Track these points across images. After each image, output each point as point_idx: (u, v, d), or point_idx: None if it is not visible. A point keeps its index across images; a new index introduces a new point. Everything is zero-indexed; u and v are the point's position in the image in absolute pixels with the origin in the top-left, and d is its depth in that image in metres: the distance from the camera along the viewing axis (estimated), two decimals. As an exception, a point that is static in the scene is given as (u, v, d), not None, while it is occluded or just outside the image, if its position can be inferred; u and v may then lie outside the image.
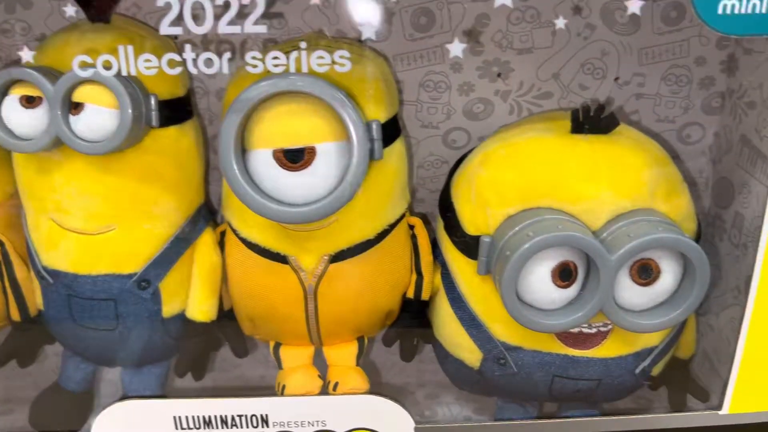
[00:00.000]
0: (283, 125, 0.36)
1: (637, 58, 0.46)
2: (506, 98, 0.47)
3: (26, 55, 0.37)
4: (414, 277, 0.44)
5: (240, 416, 0.41)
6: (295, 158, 0.36)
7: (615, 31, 0.45)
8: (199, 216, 0.44)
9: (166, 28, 0.32)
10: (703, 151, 0.49)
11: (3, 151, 0.42)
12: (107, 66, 0.34)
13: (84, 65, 0.34)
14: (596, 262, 0.37)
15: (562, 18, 0.43)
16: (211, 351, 0.48)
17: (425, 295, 0.45)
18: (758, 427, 0.42)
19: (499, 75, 0.47)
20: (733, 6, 0.33)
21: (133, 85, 0.37)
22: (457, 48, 0.42)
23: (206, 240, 0.43)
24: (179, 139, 0.41)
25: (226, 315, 0.45)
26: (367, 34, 0.36)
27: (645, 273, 0.38)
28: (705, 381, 0.47)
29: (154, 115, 0.39)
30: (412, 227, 0.45)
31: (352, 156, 0.36)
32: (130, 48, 0.33)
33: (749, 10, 0.33)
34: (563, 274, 0.38)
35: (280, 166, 0.36)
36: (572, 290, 0.39)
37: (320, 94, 0.35)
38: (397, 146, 0.42)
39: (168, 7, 0.32)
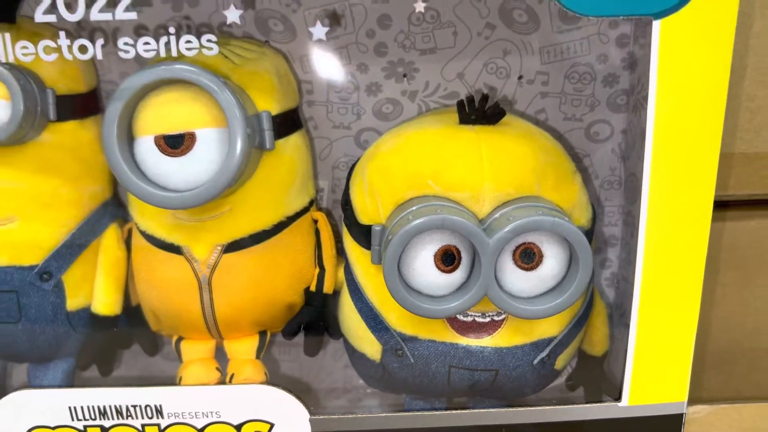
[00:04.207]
0: (164, 112, 0.37)
1: (539, 57, 0.47)
2: (414, 98, 0.48)
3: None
4: (316, 270, 0.45)
5: (134, 406, 0.41)
6: (175, 144, 0.37)
7: (514, 30, 0.46)
8: (104, 211, 0.45)
9: (40, 16, 0.34)
10: (613, 149, 0.49)
11: None
12: (-12, 54, 0.36)
13: (-39, 52, 0.36)
14: (476, 246, 0.37)
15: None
16: (121, 348, 0.49)
17: (328, 289, 0.45)
18: (661, 417, 0.42)
19: (404, 76, 0.48)
20: (587, -12, 0.34)
21: (27, 78, 0.38)
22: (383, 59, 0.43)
23: (111, 234, 0.44)
24: (79, 133, 0.42)
25: (134, 312, 0.46)
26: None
27: (527, 258, 0.39)
28: (619, 380, 0.47)
29: (51, 109, 0.40)
30: (315, 221, 0.45)
31: (232, 142, 0.37)
32: (7, 35, 0.35)
33: (605, -8, 0.34)
34: (445, 258, 0.38)
35: (161, 152, 0.37)
36: (457, 276, 0.39)
37: (197, 80, 0.36)
38: (294, 139, 0.43)
39: (41, -6, 0.33)
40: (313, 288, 0.45)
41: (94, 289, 0.44)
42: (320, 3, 0.46)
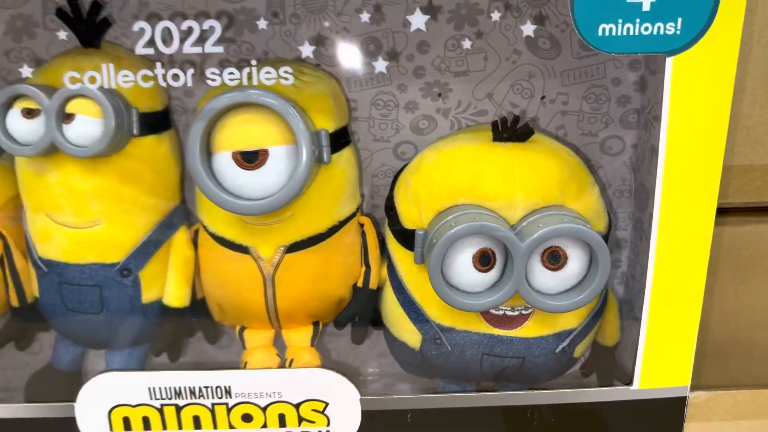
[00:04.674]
0: (241, 131, 0.43)
1: (560, 79, 0.53)
2: (447, 115, 0.54)
3: (26, 71, 0.44)
4: (363, 268, 0.51)
5: (206, 387, 0.47)
6: (250, 159, 0.43)
7: (538, 56, 0.52)
8: (174, 215, 0.50)
9: (140, 49, 0.39)
10: (624, 162, 0.55)
11: (6, 160, 0.49)
12: (92, 81, 0.41)
13: (73, 81, 0.41)
14: (510, 249, 0.43)
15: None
16: (187, 336, 0.54)
17: (373, 285, 0.51)
18: (667, 400, 0.48)
19: (439, 95, 0.53)
20: (610, 29, 0.40)
21: (116, 99, 0.44)
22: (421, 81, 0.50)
23: (181, 236, 0.50)
24: (157, 146, 0.48)
25: (200, 305, 0.52)
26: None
27: (554, 259, 0.44)
28: (629, 367, 0.53)
29: (135, 125, 0.45)
30: (362, 225, 0.51)
31: (299, 158, 0.42)
32: (111, 65, 0.41)
33: (624, 33, 0.40)
34: (483, 260, 0.44)
35: (238, 165, 0.43)
36: (492, 275, 0.45)
37: (272, 104, 0.42)
38: (346, 153, 0.48)
39: (141, 32, 0.39)
40: (360, 284, 0.51)
41: (166, 283, 0.50)
42: (366, 31, 0.51)
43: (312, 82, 0.47)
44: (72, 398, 0.51)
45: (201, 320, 0.52)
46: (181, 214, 0.51)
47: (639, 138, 0.54)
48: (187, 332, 0.54)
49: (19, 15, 0.50)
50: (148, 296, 0.49)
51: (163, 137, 0.48)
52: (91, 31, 0.45)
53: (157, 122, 0.47)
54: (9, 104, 0.45)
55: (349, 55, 0.51)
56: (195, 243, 0.50)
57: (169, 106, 0.50)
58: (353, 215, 0.50)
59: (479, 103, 0.54)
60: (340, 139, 0.48)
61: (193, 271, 0.50)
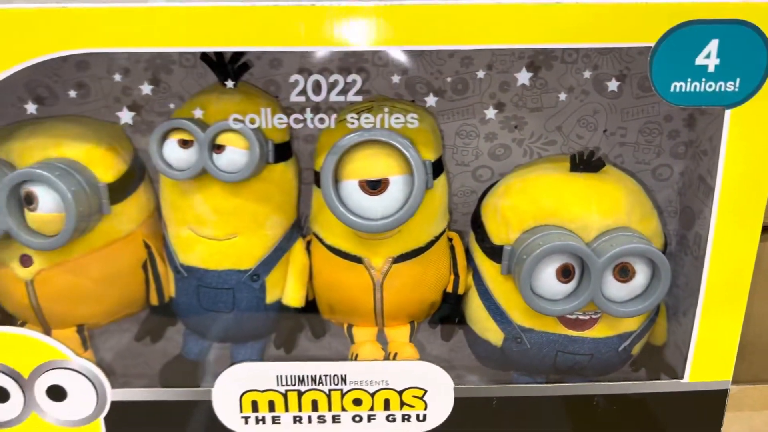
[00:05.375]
0: (367, 163, 0.51)
1: (620, 115, 0.62)
2: (521, 144, 0.62)
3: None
4: (452, 276, 0.59)
5: (325, 375, 0.55)
6: (374, 186, 0.51)
7: (603, 95, 0.61)
8: (294, 229, 0.59)
9: (294, 97, 0.48)
10: (672, 186, 0.64)
11: (147, 183, 0.58)
12: (252, 122, 0.50)
13: (236, 120, 0.50)
14: (588, 264, 0.52)
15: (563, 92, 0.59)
16: (298, 332, 0.63)
17: (460, 291, 0.59)
18: (712, 392, 0.57)
19: (516, 127, 0.62)
20: (681, 86, 0.48)
21: (259, 134, 0.52)
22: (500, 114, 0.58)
23: (299, 246, 0.58)
24: (285, 172, 0.56)
25: (310, 305, 0.60)
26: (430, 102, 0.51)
27: (624, 273, 0.53)
28: (675, 363, 0.61)
29: (270, 155, 0.54)
30: (450, 239, 0.59)
31: (414, 185, 0.51)
32: (269, 109, 0.49)
33: (692, 89, 0.48)
34: (564, 273, 0.53)
35: (363, 192, 0.51)
36: (571, 285, 0.53)
37: (392, 141, 0.50)
38: (442, 179, 0.57)
39: (296, 83, 0.47)
40: (449, 290, 0.59)
41: (285, 286, 0.58)
42: (454, 69, 0.60)
43: (417, 118, 0.55)
44: (197, 383, 0.59)
45: (310, 318, 0.61)
46: (298, 229, 0.59)
47: (686, 167, 0.62)
48: (299, 328, 0.62)
49: (159, 54, 0.58)
50: (271, 297, 0.58)
51: (289, 164, 0.56)
52: (233, 73, 0.53)
53: (285, 152, 0.56)
54: (166, 135, 0.53)
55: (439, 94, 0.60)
56: (308, 252, 0.59)
57: (291, 138, 0.58)
58: (444, 231, 0.59)
59: (550, 135, 0.62)
60: (438, 167, 0.56)
61: (308, 276, 0.59)
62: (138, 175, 0.57)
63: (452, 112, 0.61)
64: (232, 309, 0.57)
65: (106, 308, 0.58)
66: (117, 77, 0.58)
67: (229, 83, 0.52)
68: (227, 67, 0.53)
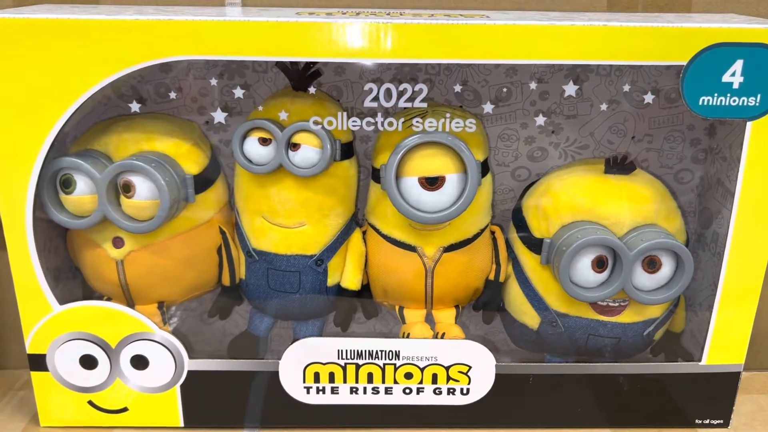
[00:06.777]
0: (427, 162, 0.57)
1: (648, 124, 0.68)
2: (557, 148, 0.69)
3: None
4: (494, 266, 0.66)
5: (381, 351, 0.61)
6: (432, 183, 0.58)
7: (633, 106, 0.67)
8: (353, 219, 0.65)
9: (368, 103, 0.54)
10: (692, 189, 0.70)
11: (222, 176, 0.64)
12: (330, 123, 0.56)
13: (317, 123, 0.56)
14: (620, 256, 0.58)
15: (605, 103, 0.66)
16: (353, 312, 0.69)
17: (501, 278, 0.66)
18: (726, 374, 0.63)
19: (552, 132, 0.68)
20: (708, 100, 0.54)
21: (330, 134, 0.59)
22: (540, 120, 0.65)
23: (357, 235, 0.65)
24: (348, 168, 0.62)
25: (364, 288, 0.67)
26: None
27: (652, 265, 0.59)
28: (691, 349, 0.68)
29: (338, 153, 0.60)
30: (493, 233, 0.66)
31: (468, 182, 0.57)
32: (344, 114, 0.56)
33: (718, 103, 0.54)
34: (599, 264, 0.59)
35: (422, 187, 0.58)
36: (604, 275, 0.60)
37: (449, 143, 0.57)
38: (488, 178, 0.63)
39: (370, 90, 0.54)
40: (491, 278, 0.66)
41: (344, 271, 0.65)
42: (498, 81, 0.66)
43: (468, 124, 0.62)
44: (262, 356, 0.66)
45: (363, 300, 0.67)
46: (356, 219, 0.66)
47: (706, 171, 0.69)
48: (354, 309, 0.69)
49: (234, 60, 0.65)
50: (331, 281, 0.64)
51: (352, 161, 0.63)
52: (306, 80, 0.60)
53: (349, 150, 0.62)
54: (247, 134, 0.59)
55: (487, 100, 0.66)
56: (364, 241, 0.65)
57: (354, 138, 0.64)
58: (488, 225, 0.65)
59: (583, 140, 0.68)
60: (485, 167, 0.62)
61: (364, 262, 0.65)
62: (216, 168, 0.64)
63: (496, 117, 0.67)
64: (297, 290, 0.63)
65: (184, 287, 0.64)
66: (212, 82, 0.64)
67: (311, 89, 0.59)
68: (302, 74, 0.59)
